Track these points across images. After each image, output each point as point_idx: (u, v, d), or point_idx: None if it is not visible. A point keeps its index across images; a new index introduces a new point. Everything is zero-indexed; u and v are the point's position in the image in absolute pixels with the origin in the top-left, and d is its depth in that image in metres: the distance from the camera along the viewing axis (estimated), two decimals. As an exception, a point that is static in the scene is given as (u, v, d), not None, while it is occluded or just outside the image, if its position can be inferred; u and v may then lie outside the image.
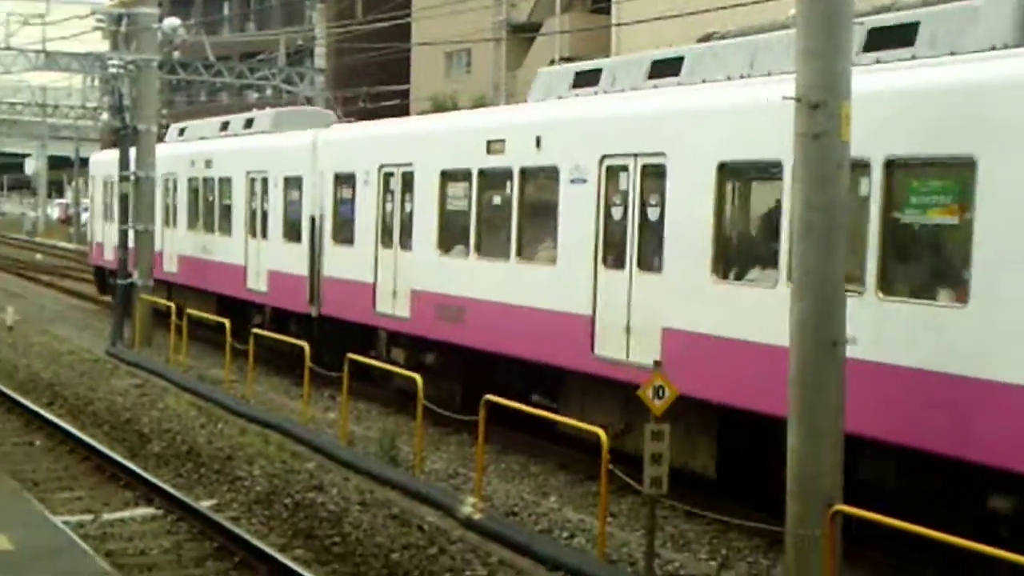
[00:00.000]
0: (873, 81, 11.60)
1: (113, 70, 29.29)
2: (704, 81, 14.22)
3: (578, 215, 15.23)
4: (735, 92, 13.48)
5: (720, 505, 13.20)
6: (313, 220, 22.40)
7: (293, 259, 23.04)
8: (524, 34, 50.18)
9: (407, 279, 19.22)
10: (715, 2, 31.94)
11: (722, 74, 14.00)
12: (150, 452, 17.20)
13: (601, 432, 12.35)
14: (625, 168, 14.63)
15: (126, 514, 14.14)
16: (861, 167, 11.29)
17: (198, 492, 15.02)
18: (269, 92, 43.59)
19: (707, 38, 16.33)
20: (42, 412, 19.46)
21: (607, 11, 44.95)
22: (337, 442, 17.26)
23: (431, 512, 13.87)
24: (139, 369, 24.03)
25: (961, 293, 10.89)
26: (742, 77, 13.68)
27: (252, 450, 16.77)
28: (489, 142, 17.23)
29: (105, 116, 52.81)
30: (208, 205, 27.73)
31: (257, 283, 24.86)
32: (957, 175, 10.87)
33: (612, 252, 14.79)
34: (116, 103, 29.43)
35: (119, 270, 28.18)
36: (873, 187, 11.50)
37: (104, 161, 35.55)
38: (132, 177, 28.02)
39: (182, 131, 31.67)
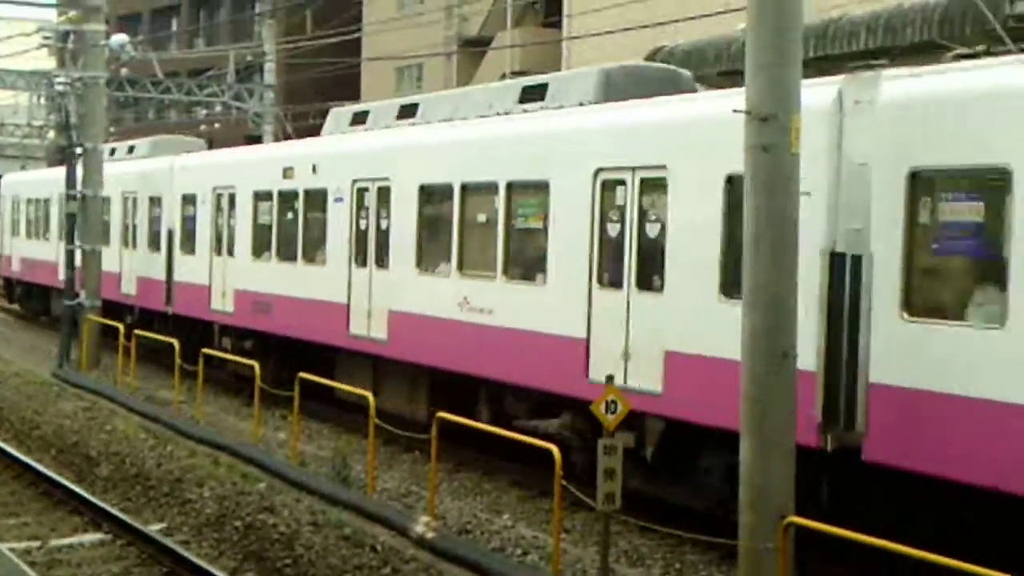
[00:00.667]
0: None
1: (60, 88, 28.96)
2: (428, 122, 18.59)
3: (339, 228, 19.88)
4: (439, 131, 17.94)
5: (674, 520, 13.13)
6: (170, 233, 26.68)
7: (155, 266, 27.24)
8: (475, 48, 50.14)
9: (231, 281, 23.69)
10: (665, 16, 32.03)
11: (438, 117, 18.35)
12: (98, 476, 16.93)
13: (554, 448, 12.26)
14: (367, 189, 19.25)
15: (74, 540, 13.89)
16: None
17: (147, 516, 14.79)
18: (218, 108, 43.31)
19: (655, 52, 16.36)
20: (-13, 436, 19.13)
21: (558, 25, 44.99)
22: (288, 462, 17.08)
23: (384, 532, 13.73)
24: (86, 391, 23.72)
25: None
26: (455, 120, 17.79)
27: (202, 472, 16.55)
28: (284, 168, 21.82)
29: (52, 134, 52.35)
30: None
31: (128, 287, 28.71)
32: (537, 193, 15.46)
33: (363, 254, 19.19)
34: (63, 121, 29.12)
35: (65, 290, 27.83)
36: (500, 202, 15.98)
37: (12, 182, 41.04)
38: (79, 196, 27.68)
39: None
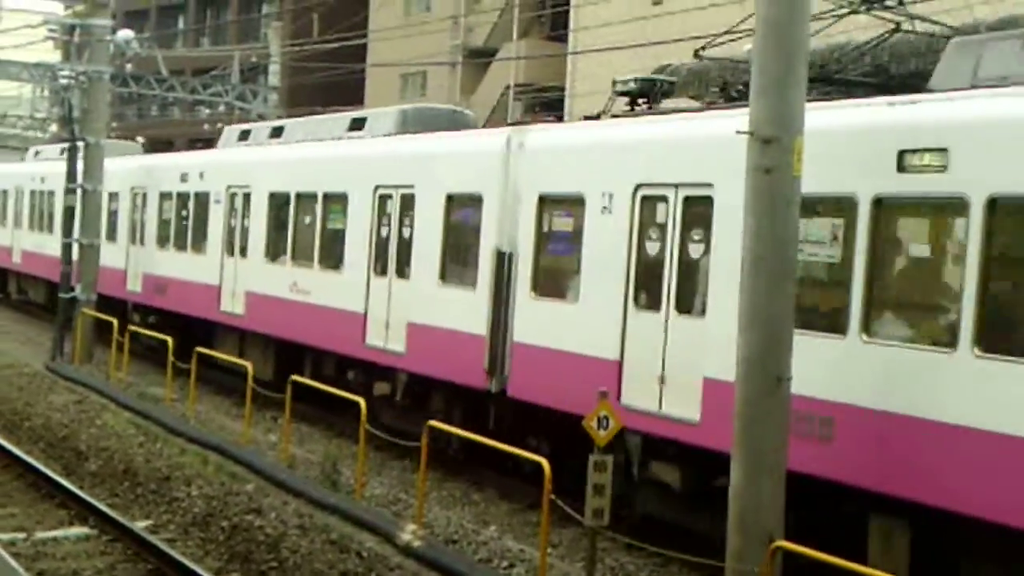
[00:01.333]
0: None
1: (64, 81, 28.96)
2: (288, 143, 22.90)
3: (216, 223, 24.06)
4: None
5: (660, 538, 13.12)
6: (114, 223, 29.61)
7: (112, 256, 29.06)
8: (480, 59, 50.20)
9: (142, 266, 27.92)
10: (669, 33, 32.09)
11: (297, 137, 22.77)
12: (86, 470, 16.90)
13: (544, 461, 12.26)
14: (236, 194, 23.63)
15: (60, 533, 13.87)
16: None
17: (134, 512, 14.77)
18: (221, 108, 43.34)
19: (662, 70, 16.38)
20: (-23, 426, 19.11)
21: (564, 39, 45.06)
22: (278, 464, 17.06)
23: (370, 538, 13.70)
24: (78, 385, 23.68)
25: None
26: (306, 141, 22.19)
27: (191, 470, 16.53)
28: (182, 174, 26.27)
29: (54, 127, 52.40)
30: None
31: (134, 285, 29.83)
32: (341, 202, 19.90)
33: (232, 246, 23.55)
34: (66, 114, 29.12)
35: (61, 283, 27.80)
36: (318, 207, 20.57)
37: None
38: (79, 190, 27.66)
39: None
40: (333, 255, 20.04)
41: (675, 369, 13.02)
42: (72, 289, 27.41)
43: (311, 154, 21.66)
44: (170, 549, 12.79)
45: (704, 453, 12.55)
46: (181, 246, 26.16)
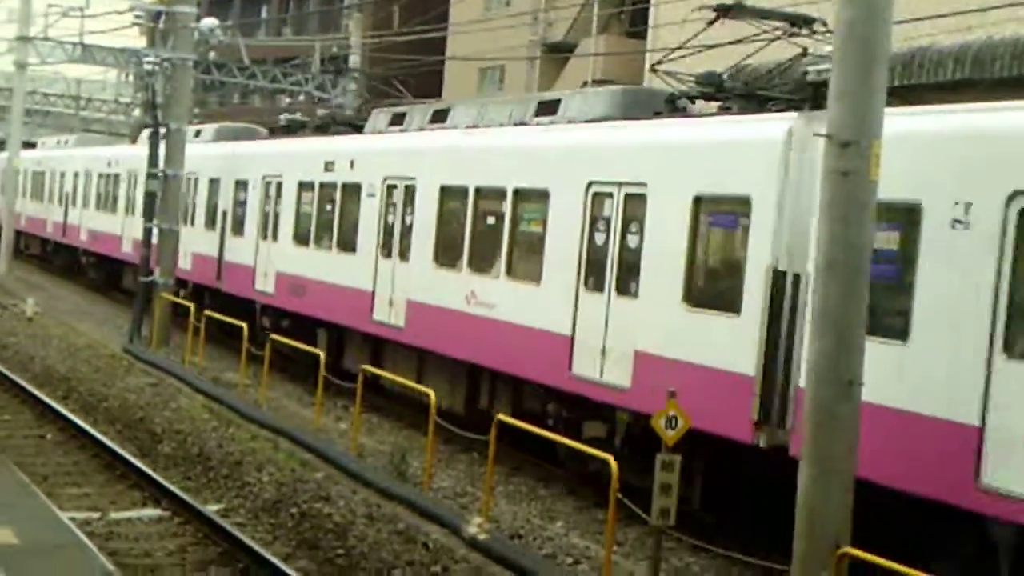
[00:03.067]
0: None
1: (148, 67, 29.35)
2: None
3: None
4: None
5: (726, 540, 13.10)
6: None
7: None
8: (558, 54, 50.18)
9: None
10: (745, 34, 31.83)
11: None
12: (160, 452, 17.19)
13: (611, 459, 12.27)
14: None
15: (133, 514, 14.14)
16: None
17: (206, 496, 15.00)
18: (301, 98, 43.72)
19: (739, 69, 16.30)
20: (55, 406, 19.49)
21: (643, 35, 44.90)
22: (347, 453, 17.22)
23: (437, 530, 13.80)
24: (155, 368, 24.05)
25: None
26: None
27: (262, 456, 16.75)
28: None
29: (137, 112, 53.14)
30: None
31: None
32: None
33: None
34: (149, 100, 29.54)
35: (141, 267, 28.22)
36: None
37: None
38: (160, 175, 28.05)
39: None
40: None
41: None
42: (151, 273, 27.81)
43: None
44: (240, 533, 12.98)
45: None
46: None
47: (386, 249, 20.43)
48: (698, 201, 13.74)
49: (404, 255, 19.88)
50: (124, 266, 36.02)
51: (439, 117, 20.60)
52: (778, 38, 14.60)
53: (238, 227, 26.96)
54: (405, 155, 20.48)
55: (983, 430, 10.57)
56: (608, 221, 15.20)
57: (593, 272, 15.36)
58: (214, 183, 28.80)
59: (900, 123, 11.18)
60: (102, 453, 16.80)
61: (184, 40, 28.92)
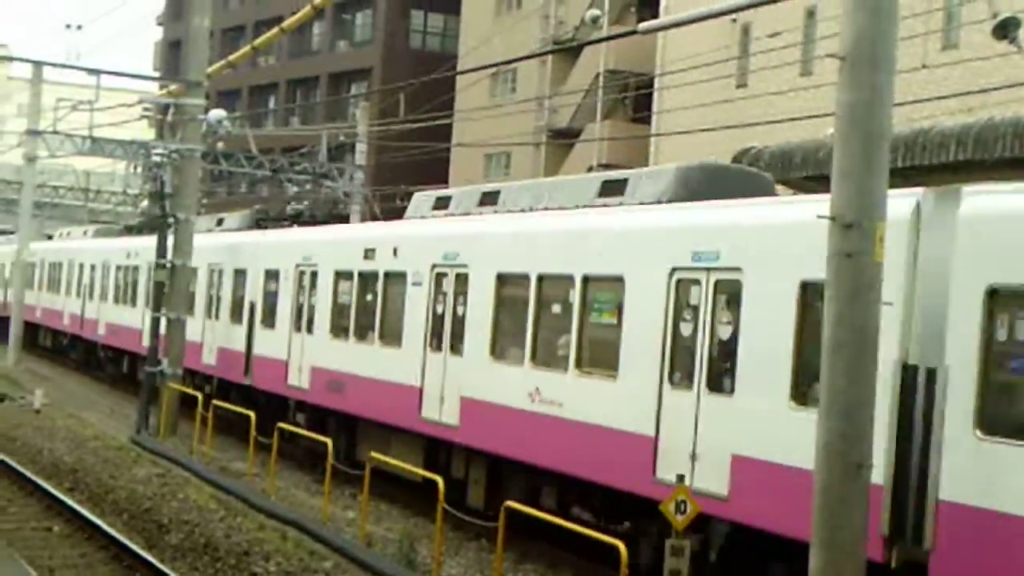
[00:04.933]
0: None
1: (157, 158, 29.62)
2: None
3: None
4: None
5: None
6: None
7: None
8: (564, 140, 50.60)
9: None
10: (753, 116, 32.15)
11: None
12: (168, 543, 17.06)
13: (620, 545, 12.17)
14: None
15: (139, 606, 14.00)
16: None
17: (213, 587, 14.87)
18: (308, 187, 44.01)
19: (744, 153, 16.43)
20: (62, 497, 19.39)
21: (647, 120, 45.28)
22: (355, 542, 17.08)
23: (446, 619, 13.65)
24: (162, 458, 23.96)
25: None
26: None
27: (270, 546, 16.62)
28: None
29: (145, 203, 53.47)
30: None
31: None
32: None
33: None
34: (157, 191, 29.76)
35: (148, 357, 28.22)
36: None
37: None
38: (168, 265, 28.17)
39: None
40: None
41: None
42: (159, 363, 27.80)
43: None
44: (247, 625, 12.84)
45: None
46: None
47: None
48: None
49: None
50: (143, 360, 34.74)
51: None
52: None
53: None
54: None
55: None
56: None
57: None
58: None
59: None
60: (109, 545, 16.68)
61: (192, 132, 29.20)
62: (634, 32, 12.28)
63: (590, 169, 48.35)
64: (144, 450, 25.00)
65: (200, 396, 25.48)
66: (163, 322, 28.10)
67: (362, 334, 21.78)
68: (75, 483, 21.25)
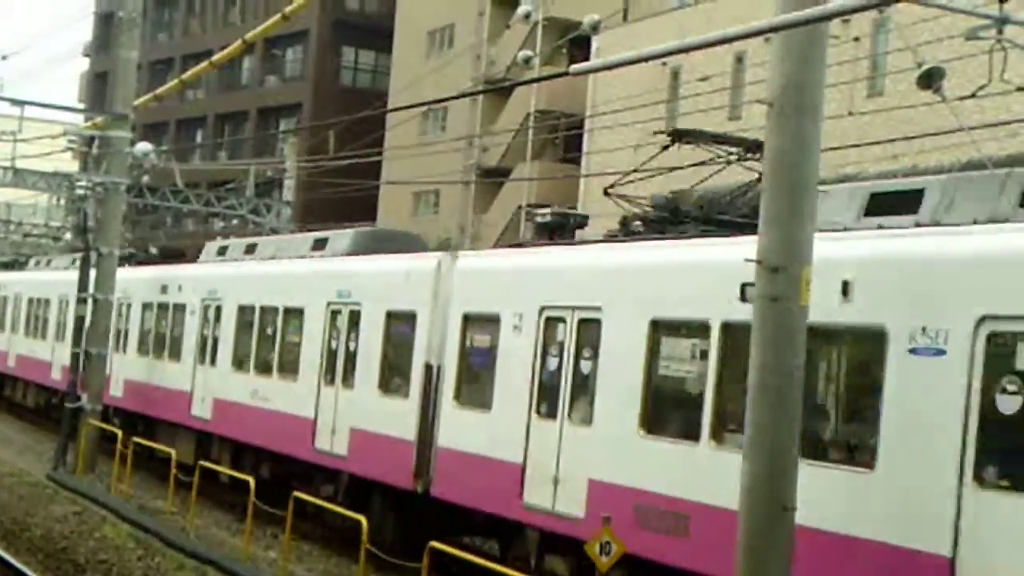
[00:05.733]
0: None
1: (80, 191, 29.24)
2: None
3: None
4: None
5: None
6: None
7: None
8: (493, 179, 50.72)
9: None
10: (679, 159, 32.27)
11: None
12: (83, 583, 16.72)
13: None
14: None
15: (51, 648, 13.67)
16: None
17: (129, 628, 14.56)
18: (235, 221, 43.70)
19: (675, 194, 16.50)
20: (-25, 535, 18.95)
21: (577, 161, 45.52)
22: (276, 582, 16.84)
23: (367, 662, 13.46)
24: (80, 496, 23.51)
25: None
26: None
27: (188, 586, 16.34)
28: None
29: (68, 236, 52.75)
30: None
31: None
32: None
33: (204, 353, 25.64)
34: (81, 224, 29.34)
35: (69, 393, 27.75)
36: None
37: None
38: (90, 299, 27.76)
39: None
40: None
41: None
42: (79, 398, 27.34)
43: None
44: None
45: None
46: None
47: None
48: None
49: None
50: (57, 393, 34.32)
51: (250, 249, 25.65)
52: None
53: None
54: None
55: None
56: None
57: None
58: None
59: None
60: (23, 585, 16.30)
61: (118, 164, 28.83)
62: (565, 74, 12.27)
63: (519, 208, 48.54)
64: (61, 487, 24.52)
65: (119, 432, 25.06)
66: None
67: (158, 352, 27.71)
68: (-11, 520, 20.78)
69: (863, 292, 11.30)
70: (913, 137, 21.21)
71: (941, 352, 10.48)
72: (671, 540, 12.82)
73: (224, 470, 22.42)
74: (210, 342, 24.85)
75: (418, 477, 17.31)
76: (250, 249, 25.34)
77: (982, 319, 10.20)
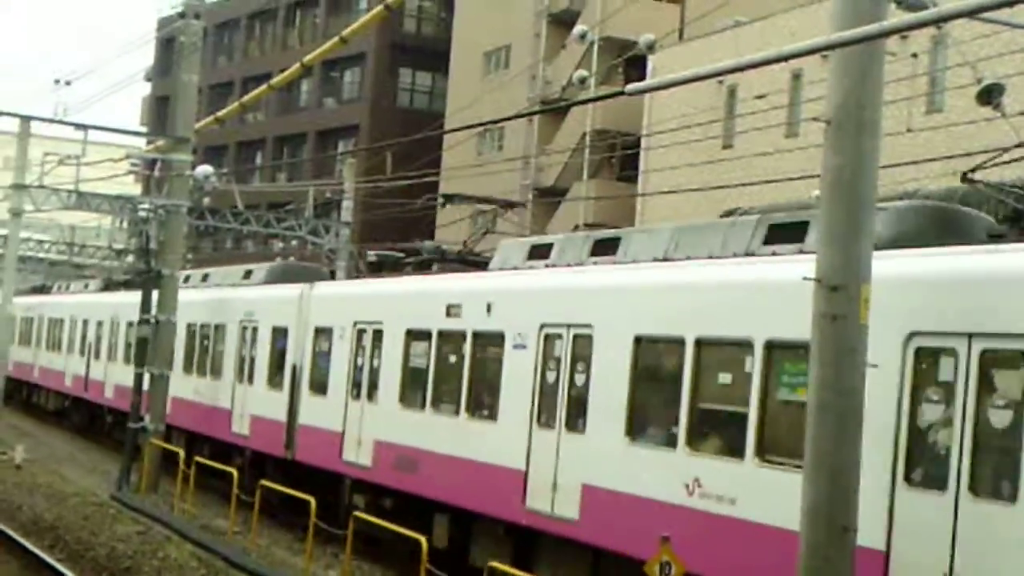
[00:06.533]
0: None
1: (143, 213, 29.59)
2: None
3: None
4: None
5: None
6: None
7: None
8: (549, 198, 50.78)
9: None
10: (736, 177, 32.29)
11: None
12: (147, 602, 16.88)
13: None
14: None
15: (116, 666, 13.81)
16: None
17: (192, 647, 14.68)
18: (294, 243, 44.02)
19: (729, 214, 16.47)
20: (42, 555, 19.19)
21: (633, 179, 45.50)
22: (337, 602, 16.93)
23: None
24: (143, 515, 23.75)
25: None
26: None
27: (250, 605, 16.44)
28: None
29: (130, 258, 53.42)
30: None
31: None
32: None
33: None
34: (143, 246, 29.71)
35: (131, 414, 28.05)
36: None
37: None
38: (152, 321, 28.08)
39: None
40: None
41: None
42: (142, 419, 27.64)
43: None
44: None
45: None
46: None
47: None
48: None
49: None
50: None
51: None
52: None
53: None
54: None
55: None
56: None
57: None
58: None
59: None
60: (87, 604, 16.49)
61: (179, 187, 29.19)
62: (621, 93, 12.29)
63: (576, 228, 48.54)
64: (125, 507, 24.79)
65: (182, 452, 25.31)
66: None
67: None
68: (55, 540, 21.03)
69: None
70: (973, 153, 21.04)
71: None
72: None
73: (285, 489, 22.50)
74: (180, 354, 29.68)
75: (288, 448, 23.97)
76: (204, 278, 31.85)
77: None
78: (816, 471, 10.35)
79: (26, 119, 45.12)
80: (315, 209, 49.29)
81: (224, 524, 22.63)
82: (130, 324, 34.16)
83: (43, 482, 27.58)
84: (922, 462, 11.10)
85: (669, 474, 13.70)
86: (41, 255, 58.48)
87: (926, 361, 11.17)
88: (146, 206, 29.69)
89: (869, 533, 10.83)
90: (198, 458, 25.41)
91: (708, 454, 13.46)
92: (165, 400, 27.98)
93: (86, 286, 47.12)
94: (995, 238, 12.22)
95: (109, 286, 44.44)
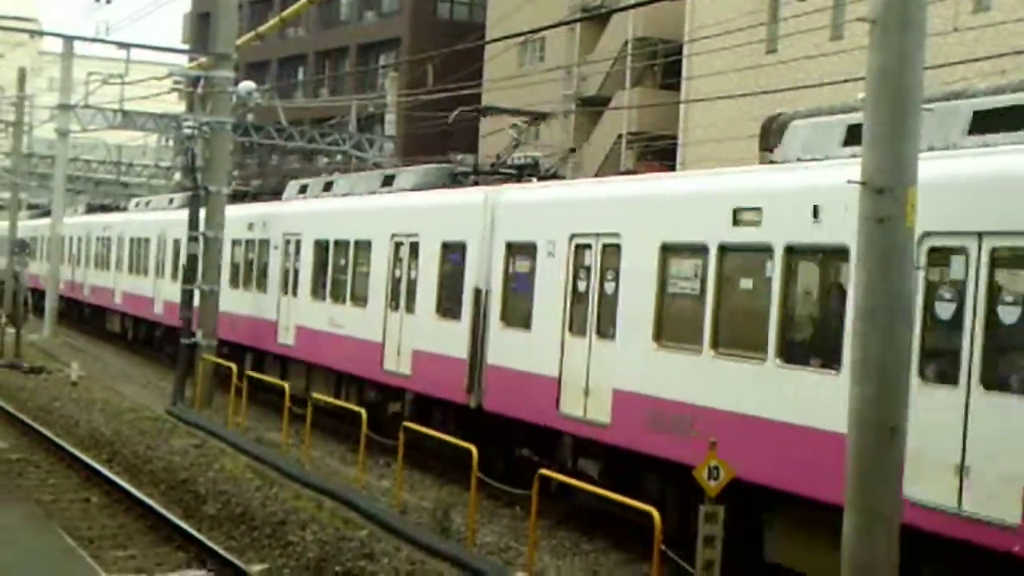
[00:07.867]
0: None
1: (187, 131, 29.71)
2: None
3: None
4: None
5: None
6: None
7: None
8: (593, 107, 50.45)
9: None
10: (782, 82, 31.92)
11: (341, 192, 26.03)
12: (205, 513, 17.23)
13: (654, 512, 12.23)
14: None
15: (178, 575, 14.15)
16: None
17: (250, 556, 15.01)
18: (339, 157, 44.08)
19: (773, 119, 16.34)
20: (100, 469, 19.61)
21: (676, 87, 45.11)
22: (390, 510, 17.21)
23: (481, 586, 13.73)
24: (198, 429, 24.16)
25: None
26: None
27: (305, 515, 16.76)
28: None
29: (177, 176, 53.73)
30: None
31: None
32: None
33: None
34: (189, 163, 29.86)
35: (183, 330, 28.39)
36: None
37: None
38: (200, 237, 28.32)
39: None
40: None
41: None
42: (193, 335, 27.98)
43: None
44: (284, 593, 12.96)
45: None
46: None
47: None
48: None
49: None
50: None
51: (328, 187, 27.84)
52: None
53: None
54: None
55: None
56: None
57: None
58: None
59: None
60: (147, 515, 16.87)
61: (222, 104, 29.25)
62: (663, -2, 12.18)
63: (619, 137, 48.28)
64: (180, 421, 25.21)
65: (235, 367, 25.65)
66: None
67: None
68: (112, 454, 21.47)
69: None
70: (1022, 51, 20.73)
71: None
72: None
73: (333, 400, 22.82)
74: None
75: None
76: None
77: None
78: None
79: (69, 39, 45.23)
80: (358, 123, 49.24)
81: (277, 437, 22.98)
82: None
83: (99, 398, 28.07)
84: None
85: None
86: (88, 175, 58.88)
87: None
88: (190, 123, 29.78)
89: None
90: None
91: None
92: (215, 315, 28.25)
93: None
94: None
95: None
